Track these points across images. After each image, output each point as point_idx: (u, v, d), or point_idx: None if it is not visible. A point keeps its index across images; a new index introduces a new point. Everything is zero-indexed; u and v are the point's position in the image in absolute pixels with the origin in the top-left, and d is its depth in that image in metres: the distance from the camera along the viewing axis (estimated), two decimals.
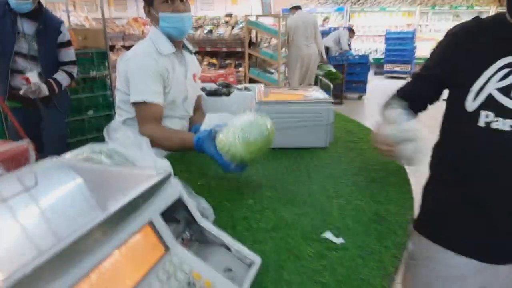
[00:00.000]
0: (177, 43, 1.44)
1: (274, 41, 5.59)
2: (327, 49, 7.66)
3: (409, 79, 1.16)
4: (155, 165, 0.96)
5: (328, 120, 1.34)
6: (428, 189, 1.10)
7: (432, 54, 1.04)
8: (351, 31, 8.12)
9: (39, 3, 2.26)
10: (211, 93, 1.83)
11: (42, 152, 2.54)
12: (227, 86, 1.95)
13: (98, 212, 0.52)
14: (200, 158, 1.33)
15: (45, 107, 2.37)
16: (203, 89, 1.94)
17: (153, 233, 0.58)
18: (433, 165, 1.07)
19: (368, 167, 1.23)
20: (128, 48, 6.30)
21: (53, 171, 0.72)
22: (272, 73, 5.28)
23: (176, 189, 0.67)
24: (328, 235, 0.79)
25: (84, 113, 3.22)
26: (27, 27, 2.21)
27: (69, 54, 2.43)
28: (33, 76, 2.17)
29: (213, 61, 5.18)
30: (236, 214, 0.91)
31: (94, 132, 3.28)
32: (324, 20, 9.77)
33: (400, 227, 0.84)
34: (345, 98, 7.33)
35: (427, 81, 1.05)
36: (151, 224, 0.59)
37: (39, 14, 2.24)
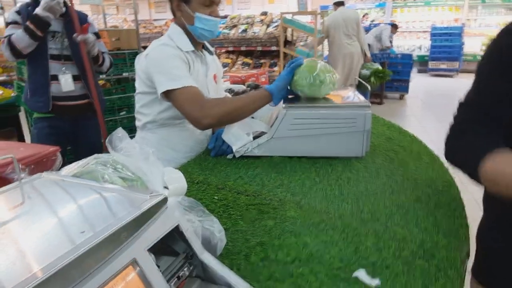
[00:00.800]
0: (197, 43, 1.36)
1: (311, 38, 5.41)
2: (368, 46, 7.33)
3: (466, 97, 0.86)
4: (163, 178, 0.86)
5: (365, 127, 1.18)
6: (485, 228, 0.91)
7: (490, 59, 0.79)
8: (393, 26, 7.68)
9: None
10: (238, 95, 1.71)
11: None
12: (256, 87, 1.83)
13: (63, 250, 0.42)
14: (221, 166, 1.22)
15: (82, 115, 2.27)
16: (231, 90, 1.84)
17: (137, 276, 0.47)
18: (490, 200, 0.88)
19: (412, 183, 1.05)
20: None
21: (37, 189, 0.63)
22: None
23: (172, 216, 0.56)
24: (361, 274, 0.65)
25: (117, 114, 3.24)
26: (54, 24, 2.10)
27: (101, 45, 2.35)
28: (67, 79, 2.12)
29: (247, 60, 5.09)
30: (252, 239, 0.78)
31: (126, 132, 3.29)
32: (364, 16, 9.36)
33: (451, 266, 0.68)
34: (385, 97, 6.97)
35: (499, 96, 0.76)
36: (135, 263, 0.48)
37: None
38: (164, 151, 1.43)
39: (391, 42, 8.46)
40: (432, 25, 10.06)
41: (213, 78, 1.44)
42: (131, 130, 3.52)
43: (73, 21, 2.11)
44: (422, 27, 10.71)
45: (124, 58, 3.19)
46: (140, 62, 1.34)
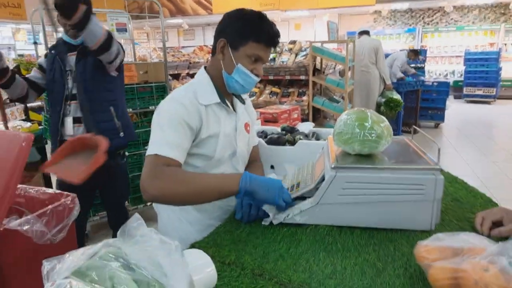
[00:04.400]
0: (227, 94, 1.20)
1: (339, 66, 5.25)
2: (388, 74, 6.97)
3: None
4: (188, 282, 0.67)
5: (435, 195, 0.96)
6: None
7: None
8: (412, 52, 6.73)
9: None
10: (273, 141, 1.53)
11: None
12: (291, 131, 1.64)
13: None
14: (256, 237, 1.02)
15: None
16: (263, 134, 1.66)
17: None
18: None
19: None
20: (192, 76, 6.43)
21: None
22: (338, 101, 4.90)
23: None
24: None
25: (142, 148, 3.13)
26: (72, 60, 1.99)
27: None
28: (69, 122, 1.98)
29: (276, 89, 4.94)
30: None
31: None
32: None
33: None
34: (419, 126, 6.63)
35: None
36: None
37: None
38: (188, 212, 1.25)
39: (422, 67, 8.01)
40: (466, 50, 9.69)
41: (244, 127, 1.27)
42: None
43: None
44: (455, 52, 10.35)
45: (151, 91, 3.11)
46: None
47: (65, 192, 1.72)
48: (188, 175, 1.10)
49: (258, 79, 1.18)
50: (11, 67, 4.18)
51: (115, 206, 2.35)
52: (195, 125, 1.11)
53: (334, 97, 5.12)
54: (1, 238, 1.36)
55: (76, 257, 0.69)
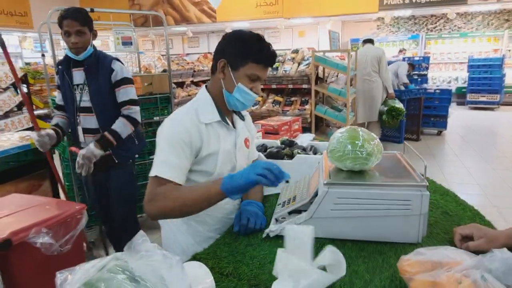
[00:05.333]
0: (227, 111, 1.27)
1: (341, 75, 5.32)
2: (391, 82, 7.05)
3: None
4: None
5: (422, 210, 1.02)
6: None
7: None
8: (409, 65, 7.12)
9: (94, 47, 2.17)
10: (272, 155, 1.59)
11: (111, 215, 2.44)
12: (291, 144, 1.71)
13: None
14: (253, 249, 1.08)
15: (110, 167, 2.25)
16: (263, 148, 1.72)
17: None
18: None
19: None
20: (196, 84, 6.50)
21: None
22: (340, 110, 4.96)
23: None
24: None
25: (147, 157, 3.21)
26: (77, 76, 2.14)
27: (125, 92, 2.17)
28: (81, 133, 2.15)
29: (278, 98, 5.02)
30: None
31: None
32: (401, 51, 8.99)
33: None
34: (422, 133, 6.66)
35: None
36: None
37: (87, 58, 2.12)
38: (189, 225, 1.32)
39: (425, 74, 8.13)
40: (470, 57, 9.71)
41: (244, 143, 1.34)
42: None
43: None
44: (458, 58, 10.37)
45: (156, 102, 3.20)
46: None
47: (74, 202, 1.81)
48: (178, 191, 1.13)
49: (257, 96, 1.25)
50: (19, 75, 4.32)
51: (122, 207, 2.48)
52: (194, 145, 1.18)
53: (337, 105, 5.19)
54: (12, 250, 1.42)
55: (86, 270, 0.76)
